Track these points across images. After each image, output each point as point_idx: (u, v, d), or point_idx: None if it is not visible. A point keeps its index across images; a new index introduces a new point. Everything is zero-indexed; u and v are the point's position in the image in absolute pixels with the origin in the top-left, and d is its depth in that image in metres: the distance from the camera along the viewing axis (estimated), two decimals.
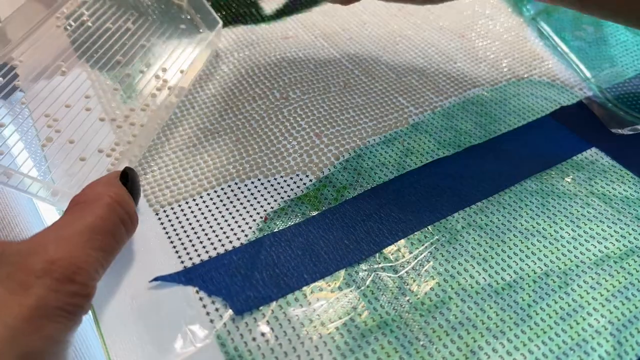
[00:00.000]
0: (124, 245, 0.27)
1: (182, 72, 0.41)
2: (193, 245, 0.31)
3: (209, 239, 0.32)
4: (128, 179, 0.29)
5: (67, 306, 0.22)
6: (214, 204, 0.34)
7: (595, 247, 0.31)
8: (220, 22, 0.44)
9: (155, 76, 0.41)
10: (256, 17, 0.49)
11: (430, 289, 0.29)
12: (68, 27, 0.42)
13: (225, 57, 0.44)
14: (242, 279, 0.29)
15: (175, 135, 0.38)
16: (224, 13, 0.49)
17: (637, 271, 0.30)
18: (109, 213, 0.26)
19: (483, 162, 0.36)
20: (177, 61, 0.42)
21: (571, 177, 0.35)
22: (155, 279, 0.29)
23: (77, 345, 0.28)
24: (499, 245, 0.31)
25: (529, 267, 0.30)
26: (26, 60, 0.39)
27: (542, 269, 0.30)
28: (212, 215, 0.33)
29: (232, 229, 0.32)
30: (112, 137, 0.37)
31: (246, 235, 0.32)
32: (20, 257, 0.23)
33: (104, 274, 0.26)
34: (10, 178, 0.32)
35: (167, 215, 0.33)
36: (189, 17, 0.46)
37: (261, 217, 0.32)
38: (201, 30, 0.45)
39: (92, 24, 0.43)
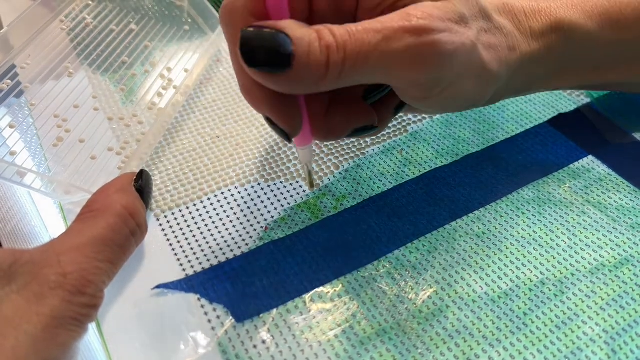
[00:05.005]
0: (132, 254, 0.28)
1: (186, 71, 0.42)
2: (194, 253, 0.32)
3: (210, 247, 0.32)
4: (142, 183, 0.30)
5: (78, 316, 0.23)
6: (214, 209, 0.34)
7: (591, 255, 0.32)
8: None
9: (160, 75, 0.41)
10: None
11: (428, 297, 0.30)
12: (73, 30, 0.43)
13: (226, 62, 0.45)
14: (243, 287, 0.30)
15: (175, 139, 0.38)
16: None
17: (631, 280, 0.31)
18: (120, 225, 0.26)
19: (480, 171, 0.36)
20: (181, 61, 0.43)
21: (568, 185, 0.36)
22: (158, 287, 0.30)
23: (80, 352, 0.28)
24: (495, 254, 0.32)
25: (525, 275, 0.31)
26: (33, 63, 0.40)
27: (537, 278, 0.31)
28: (213, 222, 0.33)
29: (232, 238, 0.32)
30: (121, 136, 0.37)
31: (247, 244, 0.32)
32: (35, 268, 0.23)
33: (110, 282, 0.26)
34: (24, 177, 0.33)
35: (168, 221, 0.33)
36: (190, 19, 0.46)
37: (262, 227, 0.33)
38: (204, 31, 0.46)
39: (96, 27, 0.43)
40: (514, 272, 0.31)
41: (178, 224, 0.33)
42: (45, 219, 0.34)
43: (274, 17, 0.24)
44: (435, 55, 0.25)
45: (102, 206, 0.27)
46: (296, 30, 0.23)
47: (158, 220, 0.33)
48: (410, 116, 0.40)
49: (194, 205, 0.34)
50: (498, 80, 0.29)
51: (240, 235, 0.33)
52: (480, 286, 0.30)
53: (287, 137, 0.28)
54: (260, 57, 0.23)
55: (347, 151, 0.38)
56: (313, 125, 0.29)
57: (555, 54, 0.31)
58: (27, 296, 0.22)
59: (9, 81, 0.38)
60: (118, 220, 0.26)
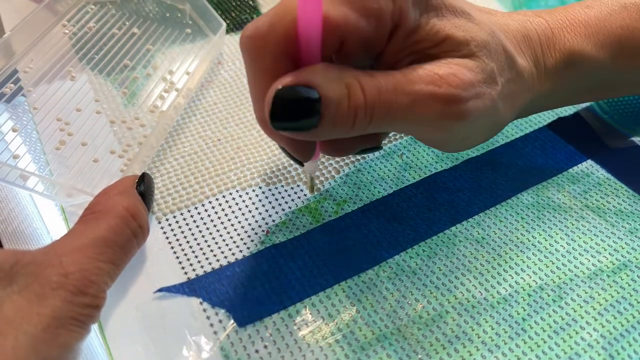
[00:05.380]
0: (134, 256, 0.28)
1: (188, 73, 0.42)
2: (196, 257, 0.32)
3: (211, 250, 0.32)
4: (144, 186, 0.30)
5: (80, 316, 0.24)
6: (216, 212, 0.34)
7: (589, 260, 0.32)
8: (224, 24, 0.44)
9: (162, 78, 0.41)
10: None
11: (428, 302, 0.30)
12: (75, 34, 0.43)
13: (227, 65, 0.45)
14: (245, 291, 0.30)
15: (177, 142, 0.38)
16: (225, 20, 0.50)
17: (629, 285, 0.31)
18: (122, 226, 0.27)
19: (480, 175, 0.37)
20: (183, 63, 0.43)
21: (566, 190, 0.36)
22: (160, 290, 0.30)
23: (83, 356, 0.28)
24: (494, 259, 0.32)
25: (524, 280, 0.31)
26: (36, 66, 0.40)
27: (536, 283, 0.31)
28: (214, 225, 0.33)
29: (234, 241, 0.33)
30: (123, 139, 0.38)
31: (248, 248, 0.32)
32: (36, 268, 0.24)
33: (113, 284, 0.26)
34: (27, 181, 0.33)
35: (169, 224, 0.34)
36: (191, 22, 0.46)
37: (263, 231, 0.33)
38: (205, 34, 0.46)
39: (98, 30, 0.43)
40: (513, 278, 0.31)
41: (180, 227, 0.33)
42: (47, 221, 0.34)
43: (306, 58, 0.24)
44: (460, 122, 0.25)
45: (103, 208, 0.27)
46: (327, 88, 0.23)
47: (160, 223, 0.34)
48: None
49: (196, 208, 0.34)
50: (508, 122, 0.31)
51: (242, 239, 0.33)
52: (479, 291, 0.31)
53: (299, 163, 0.29)
54: (289, 118, 0.23)
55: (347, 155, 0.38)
56: (324, 145, 0.29)
57: (566, 87, 0.32)
58: (28, 296, 0.23)
59: (12, 85, 0.38)
60: (120, 222, 0.27)
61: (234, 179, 0.36)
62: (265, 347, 0.28)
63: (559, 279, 0.31)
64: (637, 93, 0.37)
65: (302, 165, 0.29)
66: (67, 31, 0.43)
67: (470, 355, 0.28)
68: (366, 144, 0.30)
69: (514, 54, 0.29)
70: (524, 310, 0.30)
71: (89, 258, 0.25)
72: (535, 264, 0.32)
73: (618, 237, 0.33)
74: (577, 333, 0.29)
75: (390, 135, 0.39)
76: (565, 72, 0.31)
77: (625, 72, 0.34)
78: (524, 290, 0.31)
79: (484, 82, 0.26)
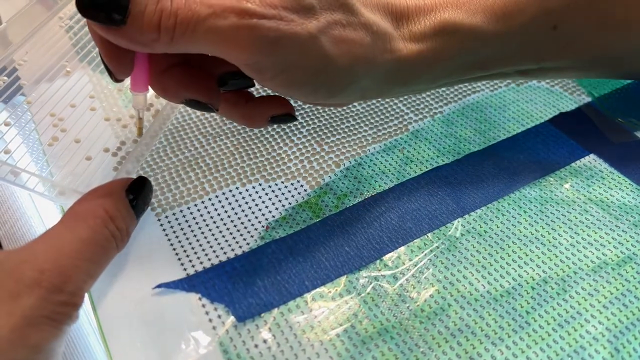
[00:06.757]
0: (114, 257, 0.27)
1: None
2: (195, 253, 0.32)
3: (211, 246, 0.32)
4: (134, 191, 0.29)
5: (55, 315, 0.23)
6: (215, 209, 0.34)
7: (593, 253, 0.32)
8: None
9: None
10: None
11: (430, 296, 0.30)
12: (71, 28, 0.42)
13: None
14: (244, 286, 0.30)
15: (177, 138, 0.38)
16: None
17: (635, 278, 0.31)
18: (101, 226, 0.26)
19: (482, 169, 0.36)
20: None
21: (569, 184, 0.35)
22: (159, 286, 0.30)
23: (80, 351, 0.28)
24: (497, 253, 0.32)
25: (528, 274, 0.31)
26: (30, 60, 0.40)
27: (540, 276, 0.31)
28: (214, 221, 0.33)
29: (233, 237, 0.32)
30: (118, 137, 0.37)
31: (248, 244, 0.32)
32: (11, 265, 0.23)
33: (94, 283, 0.26)
34: (17, 177, 0.33)
35: (169, 221, 0.33)
36: None
37: (263, 226, 0.33)
38: None
39: None
40: (515, 271, 0.31)
41: (179, 223, 0.33)
42: (46, 220, 0.34)
43: None
44: (253, 40, 0.24)
45: (84, 209, 0.27)
46: None
47: (159, 220, 0.33)
48: (411, 115, 0.40)
49: (195, 205, 0.34)
50: (354, 76, 0.28)
51: (242, 235, 0.33)
52: (482, 285, 0.30)
53: (112, 75, 0.28)
54: (95, 4, 0.23)
55: (347, 149, 0.38)
56: (150, 77, 0.29)
57: (446, 57, 0.31)
58: (0, 295, 0.22)
59: (5, 78, 0.38)
60: (99, 222, 0.26)
61: (233, 175, 0.36)
62: (265, 341, 0.28)
63: (563, 272, 0.31)
64: (532, 75, 0.36)
65: (113, 79, 0.28)
66: (63, 24, 0.43)
67: (474, 348, 0.28)
68: (190, 91, 0.29)
69: (358, 6, 0.28)
70: (528, 303, 0.29)
71: (66, 255, 0.24)
72: (539, 257, 0.31)
73: (622, 230, 0.33)
74: (581, 326, 0.28)
75: (391, 129, 0.39)
76: (437, 39, 0.30)
77: (506, 42, 0.32)
78: (527, 283, 0.30)
79: (294, 10, 0.25)
